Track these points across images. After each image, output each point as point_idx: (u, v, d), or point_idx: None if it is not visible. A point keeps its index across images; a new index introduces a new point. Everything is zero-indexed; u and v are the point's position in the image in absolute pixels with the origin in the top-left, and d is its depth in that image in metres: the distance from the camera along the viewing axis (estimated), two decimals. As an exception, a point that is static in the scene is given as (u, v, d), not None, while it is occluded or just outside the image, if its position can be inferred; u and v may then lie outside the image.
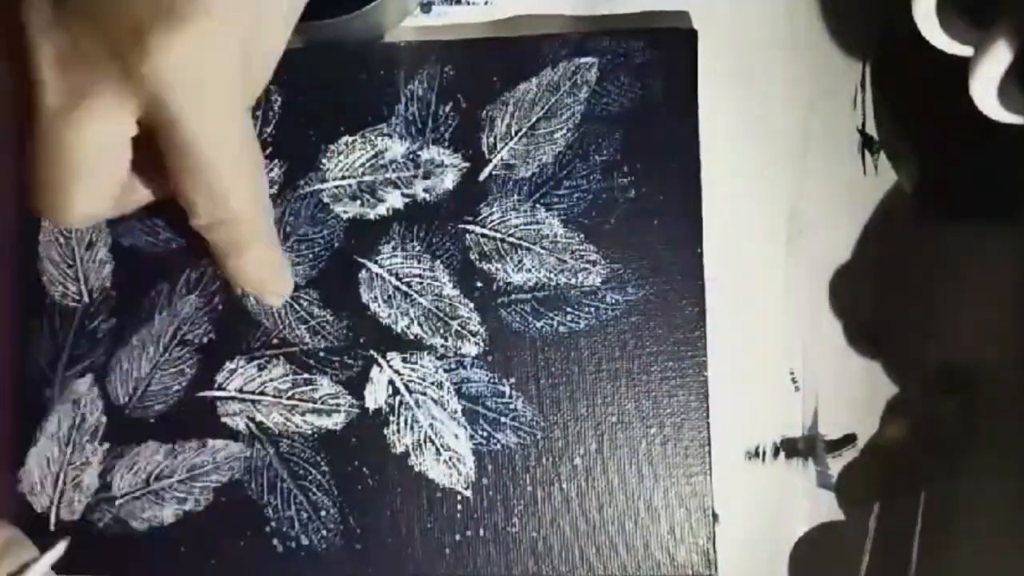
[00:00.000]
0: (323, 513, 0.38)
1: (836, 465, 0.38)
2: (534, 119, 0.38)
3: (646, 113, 0.38)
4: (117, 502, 0.38)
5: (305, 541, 0.38)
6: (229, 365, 0.39)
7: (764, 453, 0.38)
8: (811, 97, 0.39)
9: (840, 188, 0.39)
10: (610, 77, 0.38)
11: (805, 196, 0.39)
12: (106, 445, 0.38)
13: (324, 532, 0.38)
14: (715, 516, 0.37)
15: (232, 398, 0.38)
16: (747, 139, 0.39)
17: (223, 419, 0.38)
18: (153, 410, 0.38)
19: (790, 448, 0.38)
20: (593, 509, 0.37)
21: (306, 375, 0.38)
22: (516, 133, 0.38)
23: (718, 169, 0.39)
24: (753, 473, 0.38)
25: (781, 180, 0.39)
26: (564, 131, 0.38)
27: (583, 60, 0.38)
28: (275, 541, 0.38)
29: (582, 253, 0.38)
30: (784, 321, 0.39)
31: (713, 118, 0.38)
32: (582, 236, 0.38)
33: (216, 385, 0.38)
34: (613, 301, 0.38)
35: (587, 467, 0.38)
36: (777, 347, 0.39)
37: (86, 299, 0.39)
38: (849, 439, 0.38)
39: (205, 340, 0.39)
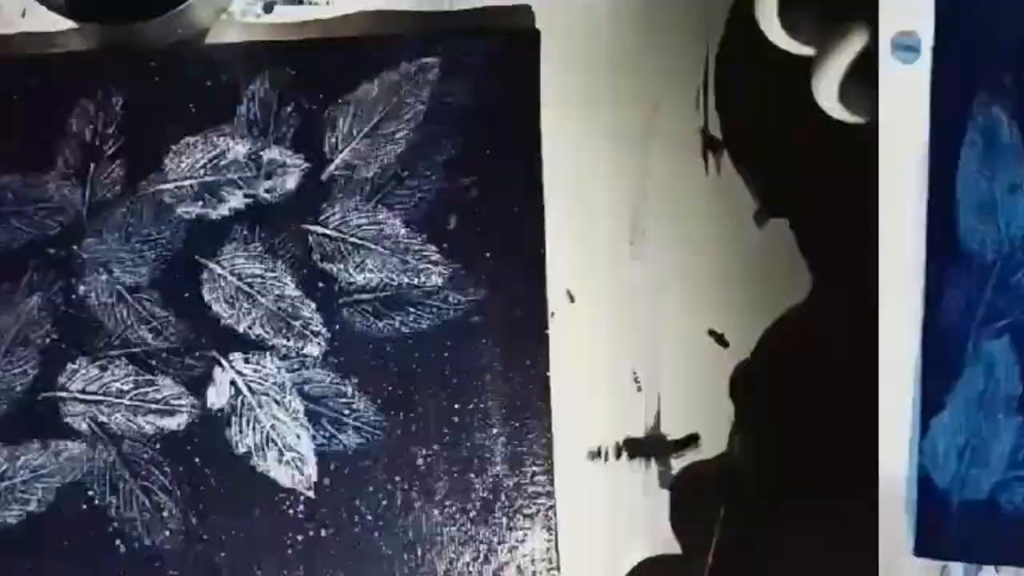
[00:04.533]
0: (165, 513, 0.42)
1: (679, 465, 0.42)
2: (376, 119, 0.42)
3: (489, 113, 0.42)
4: None
5: (148, 542, 0.42)
6: (71, 366, 0.42)
7: (607, 453, 0.43)
8: (655, 97, 0.43)
9: (683, 189, 0.43)
10: (452, 78, 0.42)
11: (648, 197, 0.43)
12: None
13: (166, 532, 0.41)
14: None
15: (74, 399, 0.42)
16: (591, 139, 0.43)
17: (66, 420, 0.42)
18: None
19: (633, 448, 0.43)
20: (435, 509, 0.41)
21: (148, 376, 0.42)
22: (358, 133, 0.42)
23: (562, 169, 0.43)
24: (596, 473, 0.43)
25: (624, 181, 0.43)
26: (406, 131, 0.42)
27: (425, 60, 0.42)
28: (118, 542, 0.42)
29: (424, 253, 0.42)
30: (628, 321, 0.43)
31: (557, 118, 0.43)
32: (424, 237, 0.42)
33: (58, 386, 0.42)
34: (455, 301, 0.42)
35: (429, 467, 0.42)
36: (620, 347, 0.43)
37: None
38: (692, 439, 0.42)
39: (47, 341, 0.42)
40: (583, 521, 0.42)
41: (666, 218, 0.43)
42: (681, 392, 0.43)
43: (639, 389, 0.43)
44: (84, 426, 0.42)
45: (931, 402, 0.36)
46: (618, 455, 0.43)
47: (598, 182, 0.43)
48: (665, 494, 0.42)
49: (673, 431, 0.43)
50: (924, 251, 0.36)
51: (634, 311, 0.43)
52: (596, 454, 0.43)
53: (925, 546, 0.36)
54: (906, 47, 0.37)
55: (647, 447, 0.43)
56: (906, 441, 0.35)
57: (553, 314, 0.42)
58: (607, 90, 0.43)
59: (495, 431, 0.42)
